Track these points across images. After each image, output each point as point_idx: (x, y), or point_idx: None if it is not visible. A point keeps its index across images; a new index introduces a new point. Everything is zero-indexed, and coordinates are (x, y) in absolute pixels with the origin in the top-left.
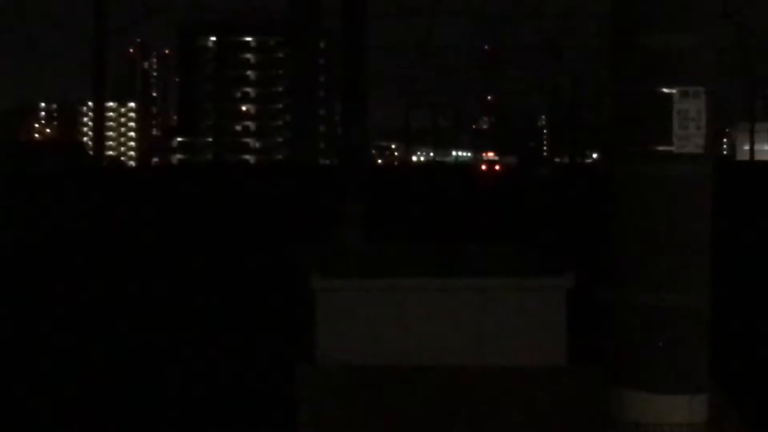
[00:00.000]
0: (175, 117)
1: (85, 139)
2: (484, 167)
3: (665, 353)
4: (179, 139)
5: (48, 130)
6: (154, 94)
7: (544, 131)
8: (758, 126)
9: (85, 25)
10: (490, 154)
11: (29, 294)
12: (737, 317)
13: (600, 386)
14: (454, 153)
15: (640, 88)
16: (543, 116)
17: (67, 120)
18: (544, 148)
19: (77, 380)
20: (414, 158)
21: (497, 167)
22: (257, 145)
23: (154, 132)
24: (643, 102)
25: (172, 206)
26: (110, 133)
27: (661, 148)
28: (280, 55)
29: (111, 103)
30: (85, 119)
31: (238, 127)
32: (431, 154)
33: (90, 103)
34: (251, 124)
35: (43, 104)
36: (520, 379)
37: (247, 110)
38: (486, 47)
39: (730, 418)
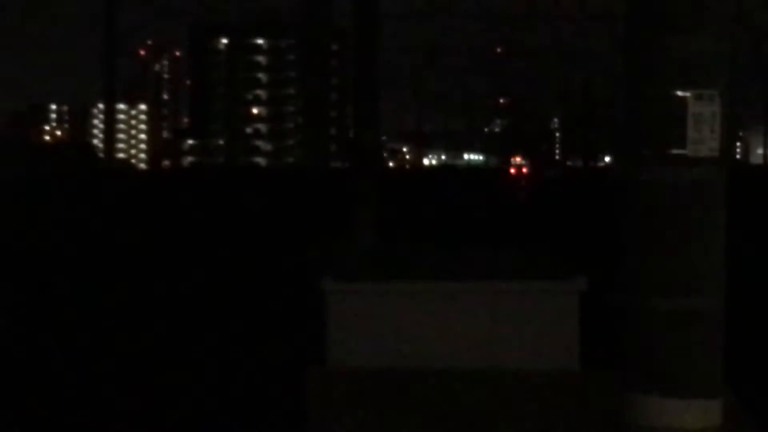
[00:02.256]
0: (186, 119)
1: (95, 141)
2: (513, 171)
3: (679, 358)
4: (190, 141)
5: (59, 132)
6: (165, 97)
7: (557, 134)
8: None
9: (97, 27)
10: (518, 159)
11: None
12: (750, 321)
13: (613, 391)
14: (466, 156)
15: (654, 91)
16: (555, 119)
17: (78, 122)
18: (557, 150)
19: (83, 379)
20: (426, 161)
21: (524, 170)
22: (269, 147)
23: (165, 134)
24: (657, 105)
25: (186, 209)
26: (121, 135)
27: (675, 151)
28: (292, 57)
29: (122, 105)
30: (96, 121)
31: (249, 130)
32: (443, 157)
33: (101, 105)
34: (262, 127)
35: (54, 106)
36: (533, 384)
37: (259, 113)
38: (498, 49)
39: (744, 422)
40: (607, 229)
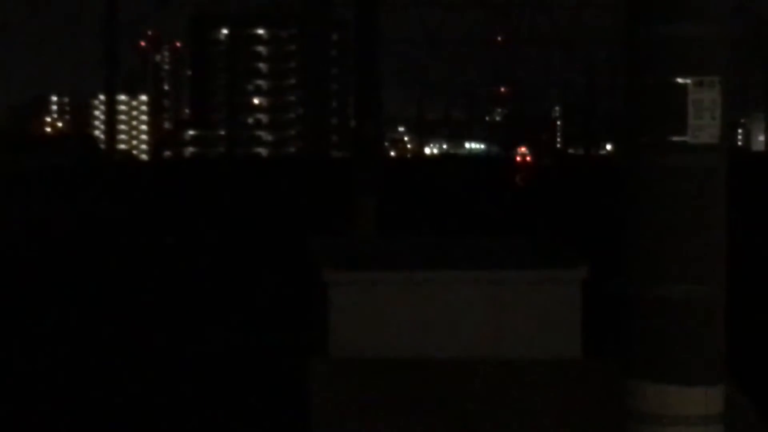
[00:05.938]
0: (187, 110)
1: (97, 132)
2: (518, 159)
3: (680, 345)
4: (191, 132)
5: (60, 124)
6: (166, 87)
7: (558, 122)
8: None
9: (97, 18)
10: (523, 149)
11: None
12: (751, 309)
13: (615, 378)
14: (467, 145)
15: (654, 78)
16: (556, 107)
17: (79, 113)
18: (558, 139)
19: (84, 375)
20: (427, 150)
21: (528, 158)
22: (270, 137)
23: (166, 125)
24: (658, 92)
25: (192, 199)
26: (122, 126)
27: (675, 138)
28: (293, 47)
29: (123, 96)
30: (97, 112)
31: (251, 120)
32: (444, 146)
33: (102, 97)
34: (263, 117)
35: (54, 97)
36: (536, 372)
37: (260, 103)
38: (499, 38)
39: (744, 408)
40: (609, 217)
